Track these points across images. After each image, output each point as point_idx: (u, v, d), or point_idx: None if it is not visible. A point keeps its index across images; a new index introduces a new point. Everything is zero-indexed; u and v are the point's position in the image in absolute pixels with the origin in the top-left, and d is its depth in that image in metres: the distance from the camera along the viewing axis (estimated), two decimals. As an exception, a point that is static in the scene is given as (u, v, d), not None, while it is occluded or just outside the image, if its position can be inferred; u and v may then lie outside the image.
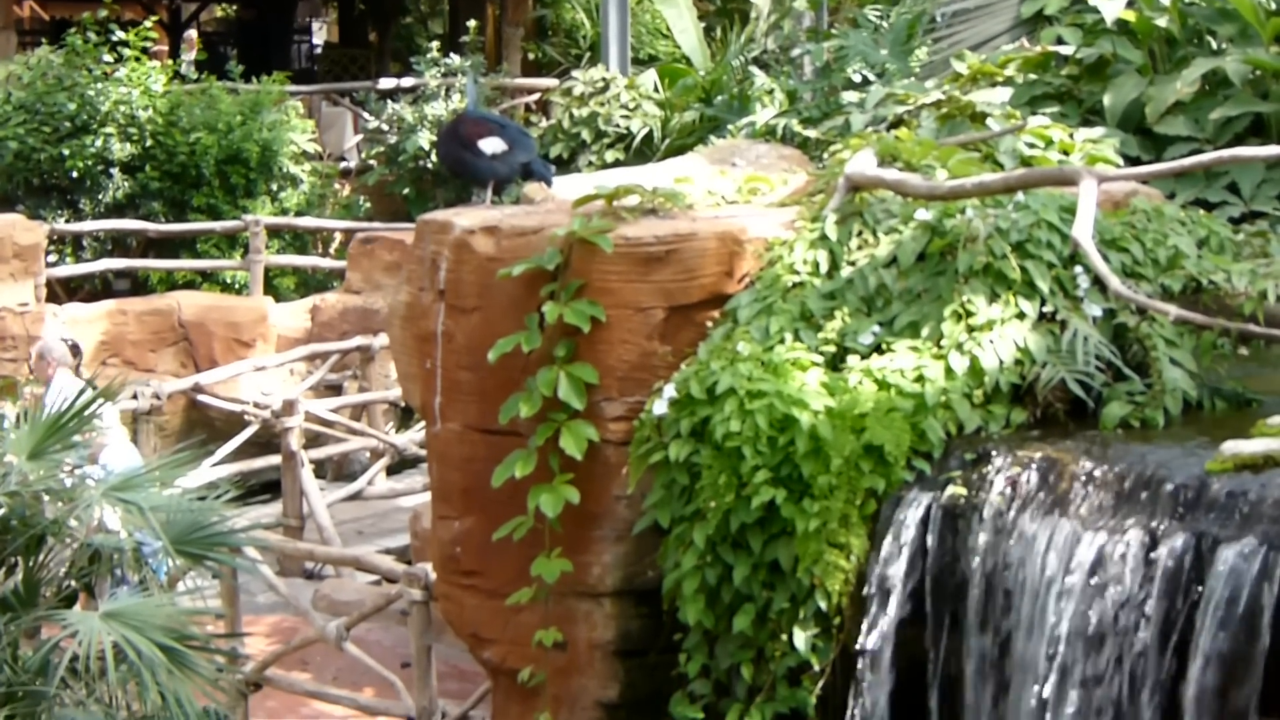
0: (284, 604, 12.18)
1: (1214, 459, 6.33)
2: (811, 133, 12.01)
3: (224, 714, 8.72)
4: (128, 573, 8.04)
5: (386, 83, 23.42)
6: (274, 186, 20.26)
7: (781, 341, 7.42)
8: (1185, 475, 6.36)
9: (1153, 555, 6.20)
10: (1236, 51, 10.70)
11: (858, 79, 13.77)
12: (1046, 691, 6.42)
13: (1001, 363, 7.15)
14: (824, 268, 7.72)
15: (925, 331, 7.33)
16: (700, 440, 7.27)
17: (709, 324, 7.77)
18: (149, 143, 19.56)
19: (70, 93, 19.27)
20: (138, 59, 19.83)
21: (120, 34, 19.94)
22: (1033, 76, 11.25)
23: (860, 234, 7.84)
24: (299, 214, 20.27)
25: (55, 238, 18.75)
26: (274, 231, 19.76)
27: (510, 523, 7.78)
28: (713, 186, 8.82)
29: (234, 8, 35.17)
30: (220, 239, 19.70)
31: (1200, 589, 6.03)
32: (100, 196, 19.38)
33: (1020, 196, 7.62)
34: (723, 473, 7.13)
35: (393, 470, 16.67)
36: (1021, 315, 7.25)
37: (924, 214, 7.70)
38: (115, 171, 19.40)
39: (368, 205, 21.03)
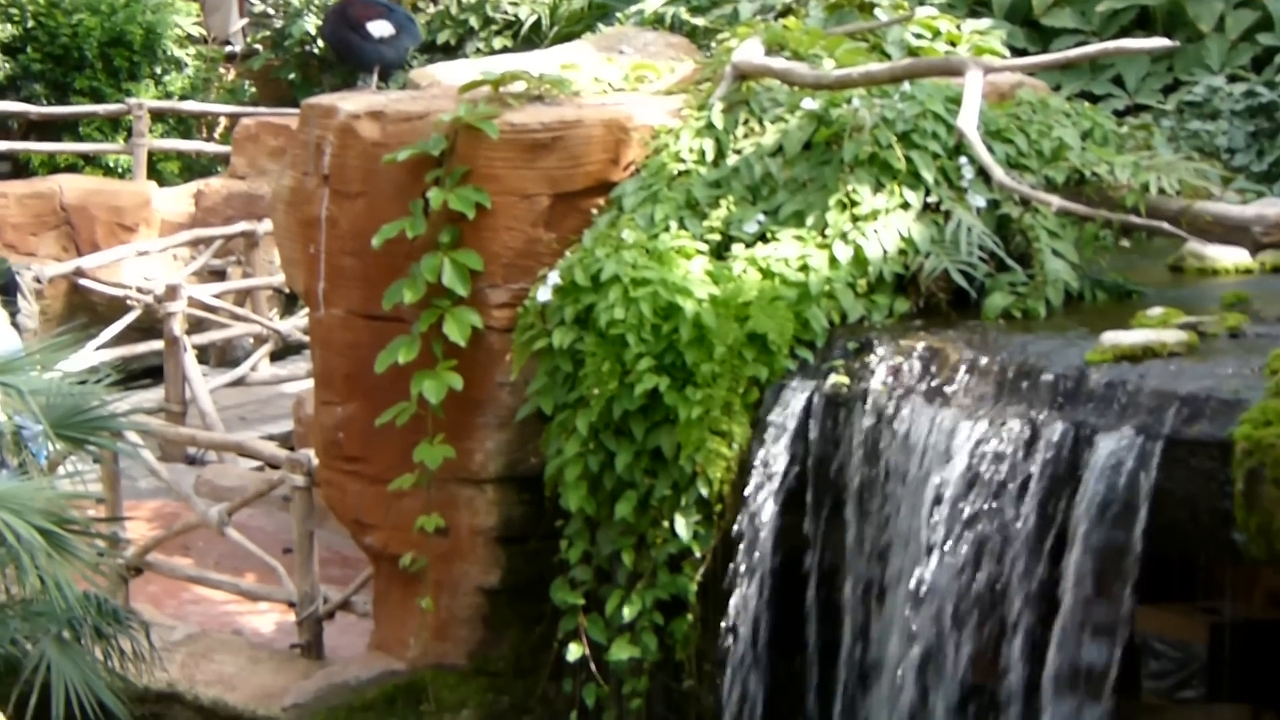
0: (165, 489, 12.09)
1: (1094, 350, 6.39)
2: (699, 21, 11.93)
3: (104, 598, 8.67)
4: (7, 456, 7.97)
5: (272, -35, 23.07)
6: (158, 70, 19.94)
7: (666, 229, 7.41)
8: (1065, 365, 6.41)
9: (1032, 445, 6.25)
10: (1123, -56, 10.73)
11: (747, -33, 13.67)
12: (925, 579, 6.48)
13: (885, 252, 7.17)
14: (710, 156, 7.70)
15: (810, 221, 7.33)
16: (584, 327, 7.25)
17: (594, 211, 7.74)
18: (30, 24, 19.18)
19: (-52, -27, 18.89)
20: (17, -62, 19.44)
21: (-1, -89, 19.52)
22: (922, -32, 11.22)
23: (746, 123, 7.82)
24: (183, 98, 19.96)
25: (-67, 119, 18.43)
26: (158, 116, 19.45)
27: (393, 409, 7.75)
28: (600, 74, 8.76)
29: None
30: (103, 122, 19.39)
31: (1078, 478, 6.09)
32: (-21, 78, 19.04)
33: (906, 86, 7.62)
34: (606, 360, 7.12)
35: (276, 356, 16.53)
36: (906, 205, 7.27)
37: (810, 103, 7.68)
38: (-5, 52, 19.05)
39: (253, 90, 20.75)
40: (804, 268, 7.16)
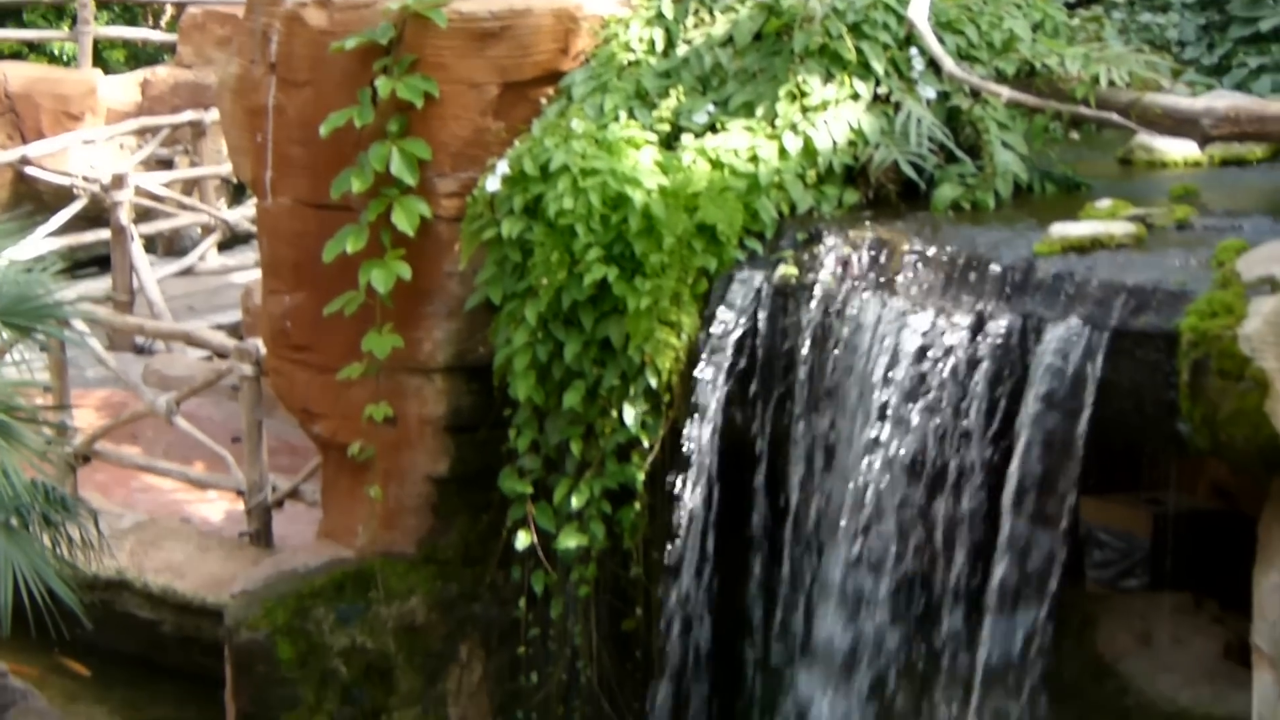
0: (113, 379, 12.06)
1: (1042, 241, 6.41)
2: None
3: (52, 486, 8.65)
4: (-49, 345, 7.92)
5: None
6: (103, -45, 19.73)
7: (616, 119, 7.38)
8: (1014, 257, 6.43)
9: (980, 335, 6.27)
10: None
11: None
12: (870, 470, 6.52)
13: (835, 144, 7.17)
14: (659, 46, 7.67)
15: (760, 111, 7.32)
16: (533, 217, 7.23)
17: (543, 101, 7.71)
18: (-28, -91, 18.95)
19: None
20: None
21: None
22: None
23: (697, 13, 7.78)
24: (129, -16, 19.77)
25: (-126, 6, 18.19)
26: (103, 3, 19.26)
27: (341, 298, 7.73)
28: (550, -39, 8.69)
29: None
30: (48, 9, 19.20)
31: (1025, 369, 6.12)
32: (-80, -34, 18.80)
33: (858, -24, 7.58)
34: (555, 250, 7.11)
35: (224, 246, 16.45)
36: (856, 96, 7.26)
37: (762, -7, 7.65)
38: (-64, -62, 18.81)
39: (200, -23, 20.53)
40: (753, 159, 7.15)
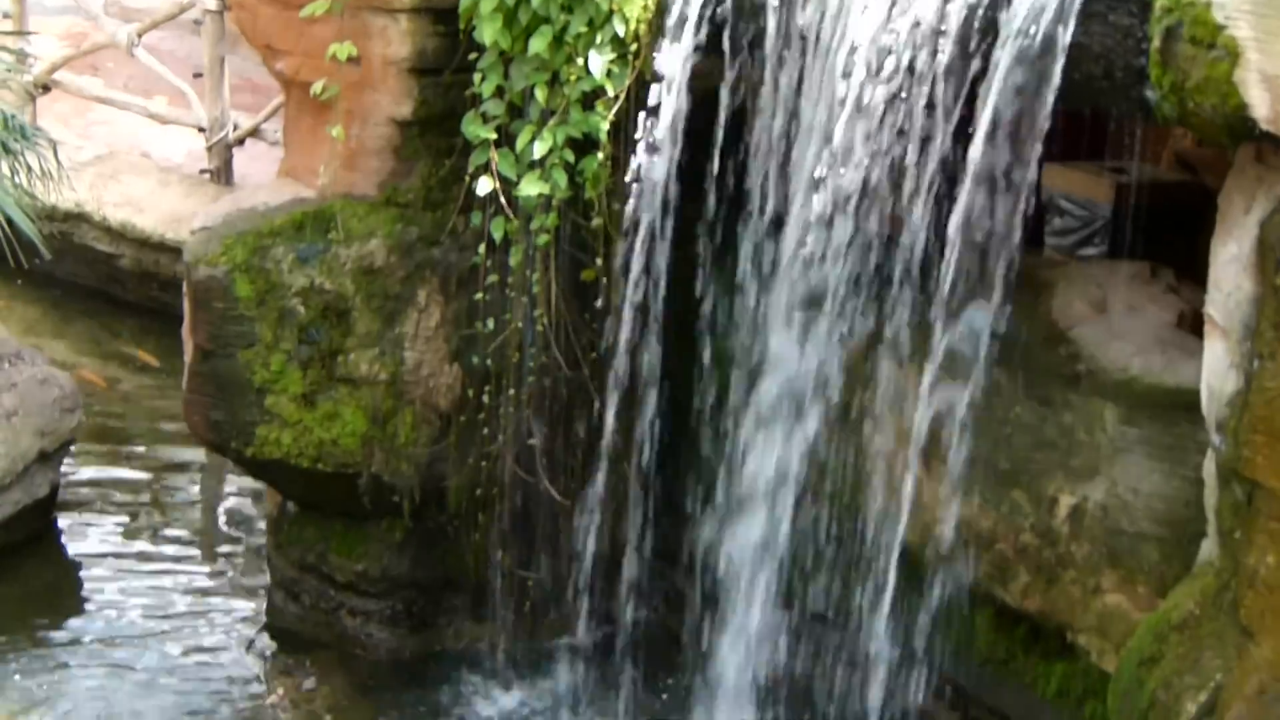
0: (74, 8, 11.89)
1: (1020, -100, 6.26)
2: None
3: (11, 114, 8.58)
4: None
5: None
6: None
7: None
8: (989, -84, 6.28)
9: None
10: None
11: None
12: (839, 123, 6.46)
13: None
14: None
15: None
16: None
17: None
18: None
19: None
20: None
21: None
22: None
23: None
24: None
25: None
26: None
27: (306, -68, 7.57)
28: None
29: None
30: None
31: (995, 32, 6.03)
32: None
33: None
34: (526, -108, 6.95)
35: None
36: None
37: None
38: None
39: None
40: None
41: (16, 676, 8.04)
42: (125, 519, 9.72)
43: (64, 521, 9.55)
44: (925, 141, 6.29)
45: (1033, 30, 5.82)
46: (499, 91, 7.37)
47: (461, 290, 7.78)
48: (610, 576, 7.95)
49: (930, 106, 6.22)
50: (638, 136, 7.03)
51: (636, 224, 7.18)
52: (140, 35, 10.85)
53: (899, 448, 6.89)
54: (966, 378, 6.54)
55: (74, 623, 8.63)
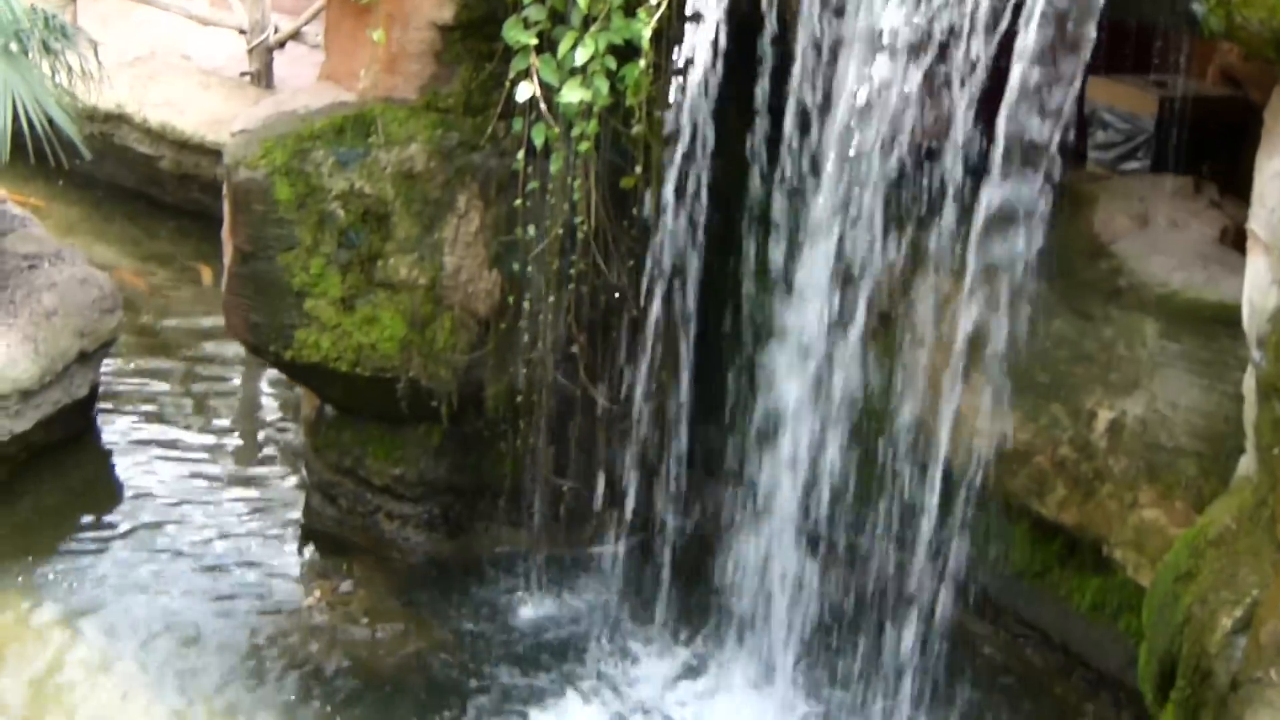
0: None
1: None
2: None
3: (52, 14, 8.58)
4: None
5: None
6: None
7: None
8: None
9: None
10: None
11: None
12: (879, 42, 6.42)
13: None
14: None
15: None
16: None
17: None
18: None
19: None
20: None
21: None
22: None
23: None
24: None
25: None
26: None
27: None
28: None
29: None
30: None
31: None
32: None
33: None
34: None
35: None
36: None
37: None
38: None
39: None
40: None
41: (57, 575, 8.11)
42: (164, 420, 9.77)
43: (103, 421, 9.60)
44: (968, 53, 6.25)
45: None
46: (540, -12, 7.35)
47: (501, 196, 7.77)
48: (647, 485, 7.98)
49: (971, 22, 6.18)
50: (680, 43, 7.01)
51: (678, 131, 7.16)
52: (181, -64, 10.82)
53: (939, 359, 6.88)
54: (1007, 289, 6.52)
55: (113, 520, 8.69)
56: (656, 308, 7.57)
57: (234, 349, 9.79)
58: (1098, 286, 6.53)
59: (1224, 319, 5.98)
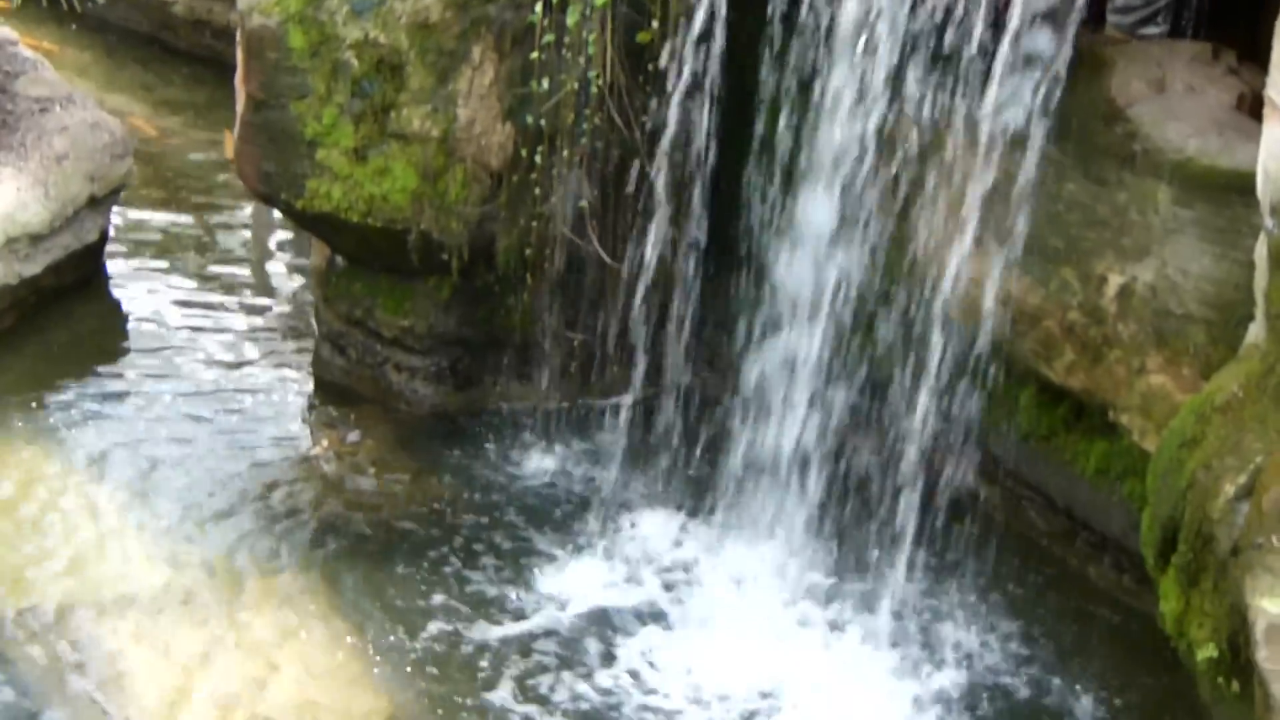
0: None
1: None
2: None
3: None
4: None
5: None
6: None
7: None
8: None
9: None
10: None
11: None
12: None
13: None
14: None
15: None
16: None
17: None
18: None
19: None
20: None
21: None
22: None
23: None
24: None
25: None
26: None
27: None
28: None
29: None
30: None
31: None
32: None
33: None
34: None
35: None
36: None
37: None
38: None
39: None
40: None
41: (63, 417, 8.14)
42: (173, 267, 9.77)
43: (113, 267, 9.61)
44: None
45: None
46: None
47: (516, 49, 7.73)
48: (656, 340, 8.00)
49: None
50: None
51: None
52: None
53: (950, 220, 6.87)
54: (1021, 152, 6.50)
55: (120, 365, 8.72)
56: (669, 162, 7.56)
57: (245, 198, 9.77)
58: (1112, 151, 6.51)
59: (1238, 186, 5.96)
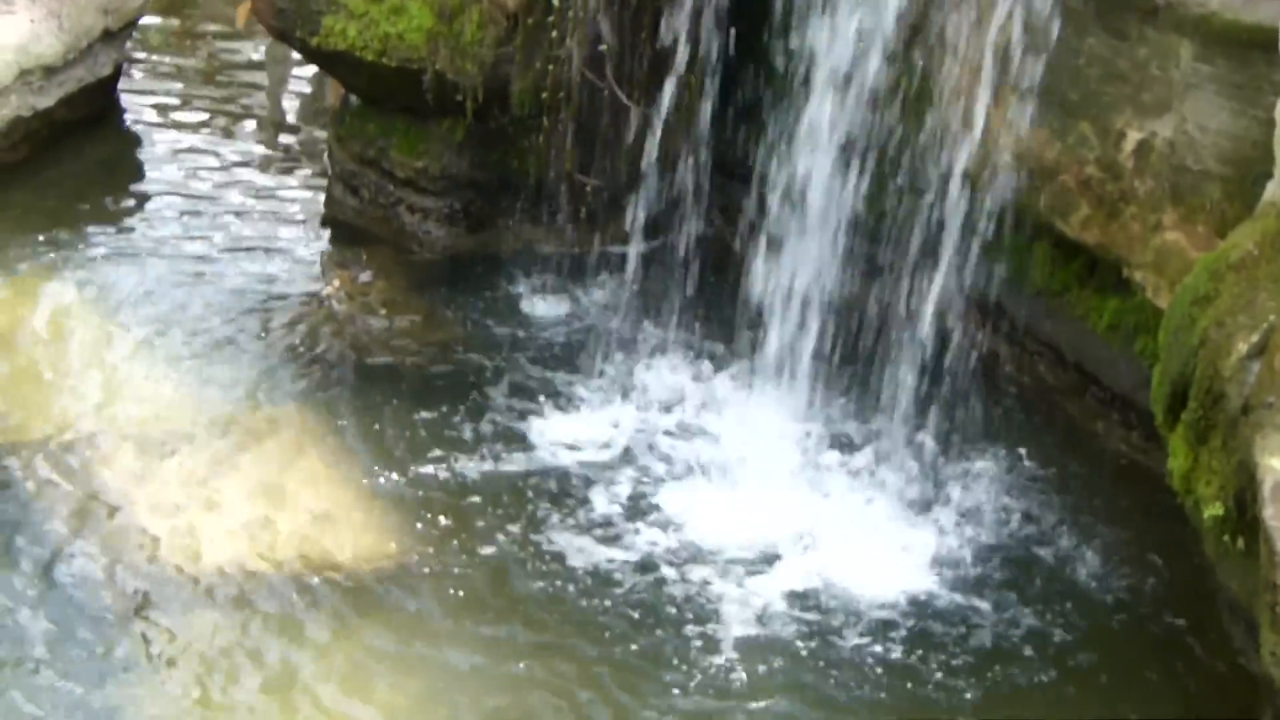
0: None
1: None
2: None
3: None
4: None
5: None
6: None
7: None
8: None
9: None
10: None
11: None
12: None
13: None
14: None
15: None
16: None
17: None
18: None
19: None
20: None
21: None
22: None
23: None
24: None
25: None
26: None
27: None
28: None
29: None
30: None
31: None
32: None
33: None
34: None
35: None
36: None
37: None
38: None
39: None
40: None
41: (73, 252, 8.15)
42: (188, 104, 9.74)
43: (127, 102, 9.57)
44: None
45: None
46: None
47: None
48: (670, 187, 7.97)
49: None
50: None
51: None
52: None
53: (967, 72, 6.82)
54: (1040, 3, 6.46)
55: (132, 200, 8.71)
56: (689, 5, 7.50)
57: (262, 35, 9.70)
58: (1134, 5, 6.43)
59: (1260, 42, 5.90)
